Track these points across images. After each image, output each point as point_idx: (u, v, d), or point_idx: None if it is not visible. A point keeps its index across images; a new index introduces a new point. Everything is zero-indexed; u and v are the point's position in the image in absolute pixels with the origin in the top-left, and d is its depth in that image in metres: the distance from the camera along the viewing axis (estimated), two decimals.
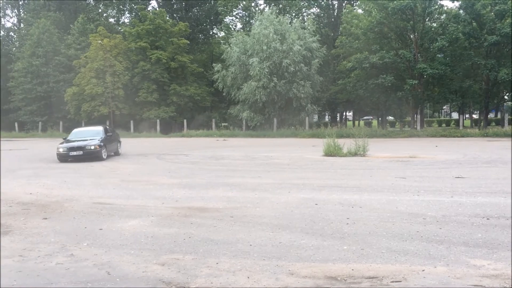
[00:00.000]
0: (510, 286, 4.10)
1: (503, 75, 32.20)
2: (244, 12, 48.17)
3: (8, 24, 61.95)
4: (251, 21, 45.13)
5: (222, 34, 50.26)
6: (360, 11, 40.74)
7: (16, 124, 47.14)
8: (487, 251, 5.41)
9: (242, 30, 45.40)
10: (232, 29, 48.52)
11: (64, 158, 17.61)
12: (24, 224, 7.32)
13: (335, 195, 9.20)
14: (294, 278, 4.60)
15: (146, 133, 40.07)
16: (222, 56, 40.27)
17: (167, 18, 47.29)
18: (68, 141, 18.58)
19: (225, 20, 49.04)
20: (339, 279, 4.57)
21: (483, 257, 5.17)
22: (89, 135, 19.21)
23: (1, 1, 55.25)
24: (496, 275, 4.61)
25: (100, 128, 20.15)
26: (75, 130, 20.49)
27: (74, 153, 17.56)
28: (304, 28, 38.42)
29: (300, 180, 11.32)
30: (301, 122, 37.56)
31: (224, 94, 41.16)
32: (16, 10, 61.07)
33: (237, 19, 49.87)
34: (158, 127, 41.34)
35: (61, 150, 17.67)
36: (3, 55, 56.84)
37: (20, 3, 60.11)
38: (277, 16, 37.96)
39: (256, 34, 36.43)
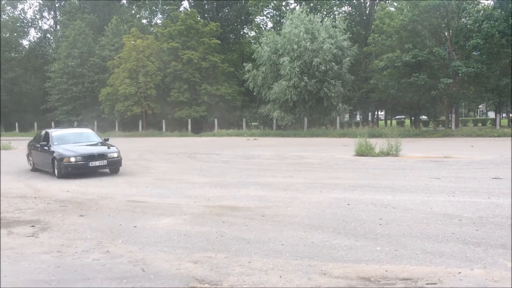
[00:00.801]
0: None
1: None
2: (274, 12, 48.08)
3: (45, 26, 63.74)
4: (281, 20, 45.01)
5: (252, 33, 50.29)
6: (392, 8, 40.08)
7: (52, 123, 48.45)
8: None
9: (272, 29, 45.33)
10: (263, 28, 48.51)
11: (77, 170, 13.25)
12: (62, 220, 7.53)
13: (367, 195, 9.10)
14: (326, 278, 4.58)
15: (177, 133, 40.53)
16: (252, 56, 40.32)
17: (199, 18, 47.68)
18: (67, 148, 13.85)
19: (255, 19, 49.04)
20: (372, 280, 4.52)
21: None
22: (85, 138, 15.23)
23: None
24: None
25: (89, 131, 16.47)
26: (56, 133, 15.18)
27: (96, 163, 13.39)
28: (335, 26, 38.08)
29: (331, 180, 11.24)
30: (332, 122, 37.25)
31: (254, 93, 41.21)
32: (52, 12, 62.84)
33: (268, 19, 49.83)
34: (189, 127, 41.76)
35: (73, 160, 13.16)
36: (41, 56, 58.67)
37: (57, 5, 61.78)
38: (308, 15, 37.74)
39: (287, 33, 36.31)
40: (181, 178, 12.39)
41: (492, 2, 34.69)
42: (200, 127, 45.25)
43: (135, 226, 7.00)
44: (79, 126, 45.88)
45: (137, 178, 12.81)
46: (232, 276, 4.73)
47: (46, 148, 14.16)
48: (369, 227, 6.58)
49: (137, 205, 8.73)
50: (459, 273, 4.65)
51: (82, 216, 7.85)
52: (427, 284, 4.38)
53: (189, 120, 42.45)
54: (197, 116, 44.11)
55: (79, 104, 49.38)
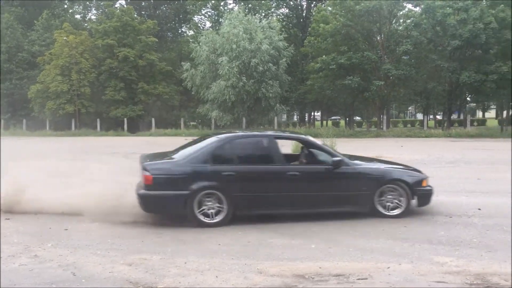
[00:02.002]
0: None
1: (464, 78, 33.20)
2: (213, 11, 47.95)
3: None
4: (220, 20, 44.98)
5: (191, 32, 49.83)
6: (328, 12, 41.20)
7: None
8: (450, 248, 5.59)
9: (211, 29, 45.19)
10: (201, 28, 48.23)
11: None
12: None
13: None
14: (262, 277, 4.63)
15: (113, 132, 39.38)
16: (191, 55, 39.97)
17: (135, 15, 46.62)
18: None
19: (194, 18, 48.62)
20: (306, 277, 4.63)
21: (446, 254, 5.33)
22: None
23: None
24: (458, 271, 4.76)
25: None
26: None
27: None
28: (271, 27, 38.58)
29: None
30: (270, 122, 37.71)
31: (193, 93, 40.85)
32: None
33: (206, 18, 49.60)
34: (125, 126, 40.72)
35: None
36: None
37: None
38: (246, 15, 37.98)
39: (226, 33, 36.33)
40: (116, 179, 12.03)
41: (419, 9, 36.53)
42: (136, 127, 44.21)
43: (66, 229, 6.74)
44: (6, 124, 43.59)
45: (70, 178, 12.30)
46: (168, 277, 4.67)
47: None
48: (305, 225, 6.73)
49: (69, 206, 8.39)
50: (388, 268, 4.86)
51: (8, 219, 7.44)
52: (358, 279, 4.54)
53: (125, 120, 41.40)
54: (134, 115, 43.10)
55: (6, 102, 46.69)
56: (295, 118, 61.73)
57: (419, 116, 66.95)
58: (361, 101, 41.95)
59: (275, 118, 37.67)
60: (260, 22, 39.12)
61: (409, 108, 76.87)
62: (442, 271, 4.77)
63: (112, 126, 41.78)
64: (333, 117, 68.48)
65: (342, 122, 58.94)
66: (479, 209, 7.63)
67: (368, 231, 6.36)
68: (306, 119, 54.13)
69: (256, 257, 5.28)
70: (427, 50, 35.05)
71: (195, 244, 5.84)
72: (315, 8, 45.31)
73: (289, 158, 8.09)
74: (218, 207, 6.77)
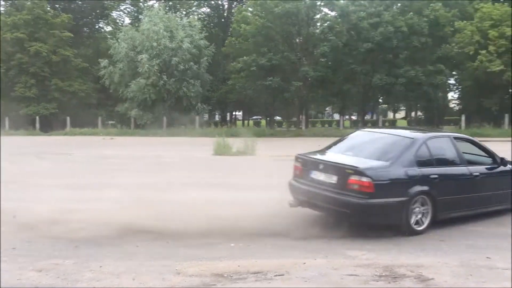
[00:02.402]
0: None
1: (376, 80, 35.12)
2: (132, 7, 46.67)
3: None
4: (139, 16, 43.87)
5: (109, 28, 48.12)
6: (249, 13, 41.63)
7: None
8: (362, 242, 5.88)
9: (130, 25, 43.91)
10: (120, 24, 46.74)
11: None
12: None
13: (223, 193, 9.31)
14: (181, 277, 4.59)
15: (23, 131, 37.00)
16: (109, 52, 38.61)
17: (48, 8, 44.17)
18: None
19: (112, 14, 47.01)
20: (225, 276, 4.65)
21: (358, 248, 5.60)
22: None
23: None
24: (369, 264, 5.02)
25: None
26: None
27: None
28: (192, 26, 38.30)
29: (189, 179, 11.27)
30: (192, 121, 37.39)
31: (111, 91, 39.48)
32: None
33: (125, 14, 48.16)
34: (37, 125, 38.48)
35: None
36: None
37: None
38: (167, 13, 37.41)
39: (146, 30, 35.53)
40: (25, 181, 11.36)
41: (335, 13, 38.01)
42: (49, 126, 41.89)
43: None
44: None
45: None
46: (81, 282, 4.49)
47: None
48: (224, 224, 6.74)
49: None
50: (304, 263, 5.01)
51: None
52: (276, 275, 4.64)
53: (37, 118, 39.12)
54: (47, 113, 40.77)
55: None
56: (217, 117, 61.72)
57: (336, 116, 69.60)
58: (281, 101, 42.84)
59: (197, 118, 37.43)
60: (181, 20, 38.71)
61: (327, 108, 79.57)
62: (354, 264, 5.01)
63: (23, 124, 39.27)
64: (254, 117, 69.27)
65: (263, 122, 59.83)
66: None
67: (288, 228, 6.50)
68: (228, 119, 54.37)
69: (175, 257, 5.22)
70: (342, 53, 36.56)
71: (111, 247, 5.65)
72: (235, 9, 45.57)
73: None
74: (423, 212, 6.41)
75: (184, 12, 45.72)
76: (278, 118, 60.46)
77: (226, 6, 50.67)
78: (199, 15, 48.52)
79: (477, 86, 36.19)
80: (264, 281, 4.51)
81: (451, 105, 50.12)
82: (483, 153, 7.50)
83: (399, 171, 6.36)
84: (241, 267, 4.90)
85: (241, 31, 38.06)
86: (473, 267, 4.89)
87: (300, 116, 40.54)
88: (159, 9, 37.48)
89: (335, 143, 7.86)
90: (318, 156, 7.18)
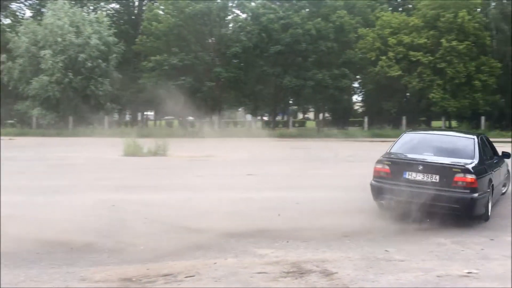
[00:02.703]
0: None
1: (286, 82, 36.16)
2: (34, 0, 43.88)
3: None
4: (42, 10, 41.34)
5: (7, 21, 44.78)
6: (160, 12, 40.88)
7: None
8: (271, 240, 6.02)
9: (31, 19, 41.21)
10: (20, 17, 43.72)
11: None
12: None
13: (133, 195, 9.08)
14: (86, 284, 4.42)
15: None
16: (7, 46, 35.96)
17: None
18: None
19: (11, 6, 43.82)
20: (134, 280, 4.55)
21: (267, 247, 5.73)
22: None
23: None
24: (277, 261, 5.16)
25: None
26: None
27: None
28: (99, 22, 36.85)
29: (97, 181, 10.84)
30: (100, 121, 35.93)
31: (10, 88, 36.78)
32: None
33: (26, 6, 45.14)
34: None
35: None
36: None
37: None
38: (72, 7, 35.67)
39: (49, 24, 33.57)
40: None
41: (246, 15, 38.58)
42: None
43: None
44: None
45: None
46: None
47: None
48: (134, 226, 6.59)
49: None
50: (215, 263, 5.04)
51: None
52: (186, 277, 4.62)
53: None
54: None
55: None
56: (127, 117, 59.88)
57: (249, 117, 70.54)
58: (194, 102, 42.59)
59: (106, 117, 36.06)
60: (88, 15, 37.10)
61: (239, 109, 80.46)
62: (263, 262, 5.12)
63: None
64: (166, 117, 68.23)
65: (176, 122, 59.11)
66: (297, 203, 8.36)
67: (198, 228, 6.50)
68: (139, 119, 53.00)
69: (80, 264, 5.00)
70: (254, 55, 37.18)
71: (9, 255, 5.27)
72: (146, 6, 44.58)
73: None
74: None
75: (91, 7, 43.85)
76: (191, 118, 60.07)
77: (136, 3, 49.32)
78: (108, 11, 46.76)
79: (378, 89, 38.59)
80: (174, 283, 4.47)
81: (356, 107, 52.88)
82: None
83: (483, 167, 7.35)
84: (150, 270, 4.82)
85: (152, 29, 37.32)
86: (372, 260, 5.21)
87: (213, 117, 40.58)
88: (64, 3, 35.58)
89: (394, 145, 8.41)
90: (415, 157, 7.54)
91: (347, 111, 47.65)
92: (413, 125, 36.78)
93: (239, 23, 38.22)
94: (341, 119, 46.40)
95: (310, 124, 56.02)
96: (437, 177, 6.97)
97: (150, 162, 15.53)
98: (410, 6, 43.76)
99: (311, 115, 72.44)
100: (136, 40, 40.42)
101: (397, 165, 7.48)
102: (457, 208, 6.82)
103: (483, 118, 36.04)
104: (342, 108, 44.88)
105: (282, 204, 8.26)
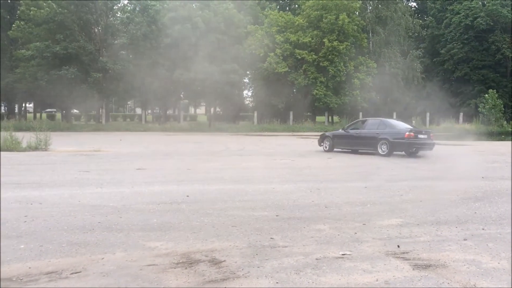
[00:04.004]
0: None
1: (176, 75, 35.91)
2: None
3: None
4: None
5: None
6: None
7: None
8: (161, 233, 6.05)
9: None
10: None
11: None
12: None
13: (11, 192, 8.51)
14: None
15: None
16: None
17: None
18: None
19: None
20: (14, 279, 4.34)
21: (157, 239, 5.77)
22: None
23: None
24: (167, 253, 5.23)
25: None
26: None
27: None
28: None
29: None
30: None
31: None
32: None
33: None
34: None
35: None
36: None
37: None
38: None
39: None
40: None
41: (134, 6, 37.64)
42: None
43: None
44: None
45: None
46: None
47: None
48: (12, 225, 6.22)
49: None
50: (103, 258, 4.97)
51: None
52: (72, 273, 4.51)
53: None
54: None
55: None
56: (3, 109, 55.12)
57: (138, 110, 68.75)
58: (79, 94, 40.54)
59: None
60: None
61: (128, 102, 78.06)
62: (153, 254, 5.16)
63: None
64: (48, 109, 63.98)
65: (59, 115, 55.67)
66: (187, 196, 8.47)
67: (84, 225, 6.32)
68: (16, 111, 49.07)
69: None
70: (143, 46, 36.35)
71: None
72: None
73: None
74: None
75: None
76: (75, 111, 56.93)
77: None
78: None
79: (267, 85, 39.97)
80: (59, 280, 4.35)
81: (246, 102, 54.16)
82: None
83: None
84: (32, 268, 4.62)
85: (31, 15, 34.75)
86: (259, 247, 5.50)
87: (100, 110, 38.93)
88: None
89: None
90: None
91: (238, 105, 48.66)
92: (300, 119, 38.70)
93: (127, 14, 37.10)
94: (232, 114, 47.21)
95: (202, 118, 56.18)
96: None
97: (30, 157, 14.57)
98: (297, 6, 45.87)
99: (202, 109, 72.61)
100: (13, 25, 37.32)
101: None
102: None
103: (360, 114, 39.02)
104: (233, 102, 45.74)
105: (172, 197, 8.31)
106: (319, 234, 6.13)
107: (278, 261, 4.99)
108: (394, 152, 17.67)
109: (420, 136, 17.39)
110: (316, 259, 5.06)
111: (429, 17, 51.64)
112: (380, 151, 17.39)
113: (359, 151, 18.84)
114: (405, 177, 11.71)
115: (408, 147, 17.21)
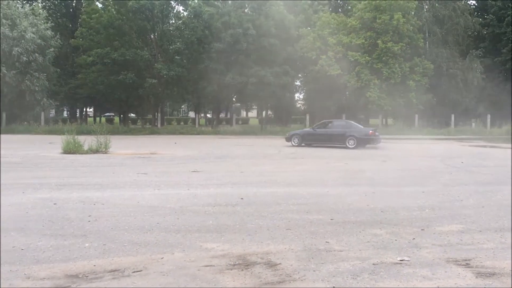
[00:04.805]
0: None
1: (228, 79, 36.29)
2: None
3: None
4: None
5: None
6: (99, 5, 39.84)
7: None
8: (217, 235, 6.16)
9: None
10: None
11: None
12: None
13: (75, 193, 8.93)
14: (31, 282, 4.38)
15: None
16: None
17: None
18: None
19: None
20: (80, 276, 4.55)
21: (213, 241, 5.88)
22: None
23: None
24: (223, 255, 5.32)
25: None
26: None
27: None
28: (35, 14, 35.41)
29: (36, 180, 10.54)
30: (36, 118, 34.57)
31: None
32: None
33: None
34: None
35: None
36: None
37: None
38: None
39: None
40: None
41: (188, 12, 38.42)
42: None
43: None
44: None
45: None
46: None
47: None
48: (78, 225, 6.53)
49: None
50: (162, 258, 5.12)
51: None
52: (133, 272, 4.68)
53: None
54: None
55: None
56: (65, 114, 57.89)
57: (192, 114, 70.16)
58: (136, 98, 41.91)
59: (42, 114, 34.73)
60: (22, 7, 35.54)
61: (182, 106, 79.78)
62: (210, 255, 5.26)
63: None
64: (106, 114, 66.53)
65: (117, 119, 57.77)
66: (242, 198, 8.56)
67: (143, 225, 6.53)
68: (78, 115, 51.38)
69: (23, 262, 4.93)
70: (197, 51, 37.07)
71: None
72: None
73: None
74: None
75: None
76: (132, 115, 58.90)
77: None
78: (44, 3, 45.02)
79: (319, 88, 39.64)
80: (122, 278, 4.52)
81: (298, 105, 54.00)
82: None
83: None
84: (97, 266, 4.83)
85: (91, 23, 36.31)
86: (314, 250, 5.49)
87: (156, 114, 40.06)
88: None
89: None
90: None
91: (290, 108, 48.62)
92: None
93: (182, 20, 37.99)
94: (283, 117, 47.22)
95: (254, 122, 56.54)
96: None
97: (91, 159, 15.21)
98: (349, 7, 45.25)
99: (254, 112, 73.10)
100: (76, 33, 39.17)
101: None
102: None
103: (416, 117, 37.92)
104: (285, 105, 45.73)
105: (227, 200, 8.43)
106: (375, 238, 6.03)
107: (334, 265, 4.96)
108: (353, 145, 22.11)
109: (376, 133, 22.80)
110: (373, 264, 4.98)
111: (490, 15, 49.48)
112: (348, 145, 22.09)
113: (327, 145, 22.91)
114: (465, 182, 11.29)
115: (370, 142, 22.33)
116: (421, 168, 14.50)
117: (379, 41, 36.78)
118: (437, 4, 43.53)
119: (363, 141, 22.13)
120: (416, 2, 40.12)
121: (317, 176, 12.13)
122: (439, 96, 40.81)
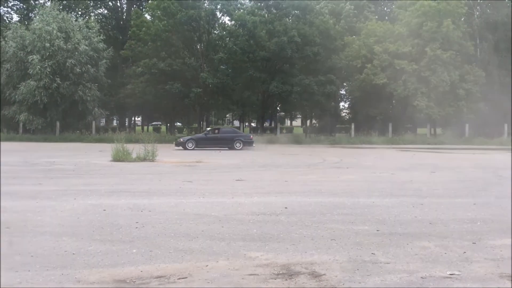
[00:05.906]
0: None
1: (273, 88, 36.40)
2: (21, 4, 43.75)
3: None
4: (30, 14, 41.23)
5: None
6: (148, 17, 41.00)
7: None
8: (261, 244, 6.16)
9: (19, 23, 41.10)
10: (7, 21, 43.56)
11: None
12: None
13: (124, 200, 9.18)
14: (81, 285, 4.52)
15: None
16: None
17: None
18: None
19: None
20: (127, 281, 4.66)
21: (257, 250, 5.88)
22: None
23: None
24: (267, 264, 5.31)
25: None
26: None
27: None
28: (89, 27, 36.86)
29: (86, 186, 10.92)
30: (88, 126, 35.89)
31: None
32: None
33: (13, 11, 45.01)
34: None
35: None
36: None
37: None
38: (61, 12, 35.64)
39: (37, 29, 33.53)
40: None
41: (233, 22, 38.90)
42: None
43: None
44: None
45: None
46: None
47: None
48: (125, 231, 6.70)
49: None
50: (207, 265, 5.17)
51: None
52: (179, 278, 4.75)
53: None
54: None
55: None
56: (115, 123, 59.72)
57: (236, 123, 70.73)
58: (182, 107, 42.71)
59: (93, 123, 36.00)
60: (76, 21, 37.11)
61: (227, 115, 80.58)
62: (254, 264, 5.27)
63: None
64: (154, 123, 68.10)
65: (164, 128, 59.04)
66: (286, 207, 8.53)
67: (188, 233, 6.62)
68: (127, 124, 52.89)
69: (74, 266, 5.10)
70: (241, 60, 37.43)
71: (3, 258, 5.36)
72: (133, 12, 44.66)
73: None
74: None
75: (79, 12, 43.90)
76: (178, 124, 60.05)
77: (124, 8, 49.37)
78: (96, 16, 46.84)
79: (365, 96, 39.07)
80: (167, 284, 4.60)
81: (343, 114, 53.40)
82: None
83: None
84: (143, 272, 4.93)
85: (140, 35, 37.41)
86: (359, 262, 5.38)
87: (201, 122, 40.69)
88: (52, 8, 35.55)
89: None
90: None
91: (334, 117, 48.18)
92: (400, 131, 37.34)
93: (227, 29, 38.49)
94: (328, 126, 46.82)
95: (298, 130, 56.34)
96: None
97: (139, 167, 15.61)
98: (396, 14, 44.47)
99: (298, 121, 72.83)
100: (126, 45, 40.48)
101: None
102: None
103: (467, 126, 36.68)
104: (329, 114, 45.35)
105: (271, 209, 8.42)
106: (423, 251, 5.86)
107: (380, 277, 4.84)
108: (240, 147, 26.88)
109: (252, 137, 28.86)
110: (422, 277, 4.84)
111: None
112: (235, 147, 26.71)
113: (216, 148, 26.73)
114: None
115: (250, 144, 27.40)
116: (472, 179, 13.99)
117: (427, 49, 35.92)
118: (488, 10, 42.14)
119: (247, 144, 27.13)
120: (466, 8, 38.98)
121: (362, 186, 11.93)
122: (491, 105, 39.33)
